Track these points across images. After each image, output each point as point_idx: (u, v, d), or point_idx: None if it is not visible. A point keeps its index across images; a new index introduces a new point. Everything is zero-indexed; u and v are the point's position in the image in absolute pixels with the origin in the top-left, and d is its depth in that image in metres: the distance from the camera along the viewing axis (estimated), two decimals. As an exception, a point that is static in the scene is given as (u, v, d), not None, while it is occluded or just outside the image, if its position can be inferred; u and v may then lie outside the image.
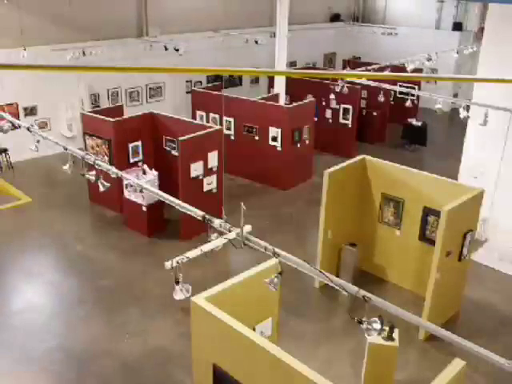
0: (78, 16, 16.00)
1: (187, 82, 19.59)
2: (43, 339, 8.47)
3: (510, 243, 10.42)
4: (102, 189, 7.46)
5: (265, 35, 18.77)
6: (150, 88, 18.74)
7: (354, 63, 20.17)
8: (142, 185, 6.21)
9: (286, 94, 16.30)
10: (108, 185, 7.65)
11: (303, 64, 22.23)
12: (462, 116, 10.62)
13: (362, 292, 4.19)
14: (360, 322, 4.62)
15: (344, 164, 9.93)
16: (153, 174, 11.62)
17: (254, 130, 14.51)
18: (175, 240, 11.27)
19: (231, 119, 14.92)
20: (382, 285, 10.01)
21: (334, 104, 16.66)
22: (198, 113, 15.74)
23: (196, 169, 11.27)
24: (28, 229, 12.04)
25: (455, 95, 20.11)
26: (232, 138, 14.91)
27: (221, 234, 5.30)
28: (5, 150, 15.04)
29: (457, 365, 4.94)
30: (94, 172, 7.14)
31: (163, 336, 8.54)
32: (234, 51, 19.55)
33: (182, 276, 5.02)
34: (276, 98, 15.88)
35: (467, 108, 10.62)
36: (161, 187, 11.71)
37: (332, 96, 15.85)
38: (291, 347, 8.22)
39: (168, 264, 5.31)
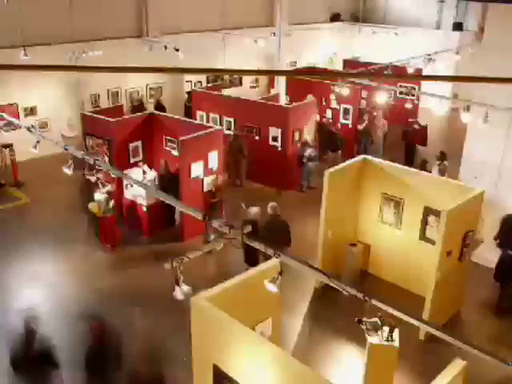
0: (78, 16, 15.99)
1: (187, 81, 19.59)
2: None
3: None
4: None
5: (265, 35, 18.74)
6: (150, 88, 18.75)
7: (354, 64, 20.15)
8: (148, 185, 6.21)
9: (286, 94, 16.28)
10: (108, 185, 7.66)
11: (303, 64, 22.21)
12: (464, 121, 10.62)
13: (362, 292, 4.19)
14: (360, 322, 4.62)
15: (344, 164, 9.93)
16: (153, 174, 11.62)
17: (254, 130, 14.49)
18: (175, 240, 11.27)
19: (231, 119, 14.91)
20: (382, 285, 10.00)
21: (334, 104, 16.65)
22: (198, 113, 15.72)
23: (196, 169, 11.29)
24: (27, 229, 12.03)
25: (455, 96, 20.07)
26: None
27: (221, 234, 5.30)
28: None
29: (457, 365, 4.93)
30: (94, 172, 7.16)
31: (163, 336, 8.53)
32: (233, 51, 19.53)
33: (183, 276, 5.01)
34: (276, 98, 15.87)
35: (467, 108, 10.62)
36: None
37: (332, 96, 15.84)
38: (291, 347, 8.28)
39: (168, 264, 5.31)
